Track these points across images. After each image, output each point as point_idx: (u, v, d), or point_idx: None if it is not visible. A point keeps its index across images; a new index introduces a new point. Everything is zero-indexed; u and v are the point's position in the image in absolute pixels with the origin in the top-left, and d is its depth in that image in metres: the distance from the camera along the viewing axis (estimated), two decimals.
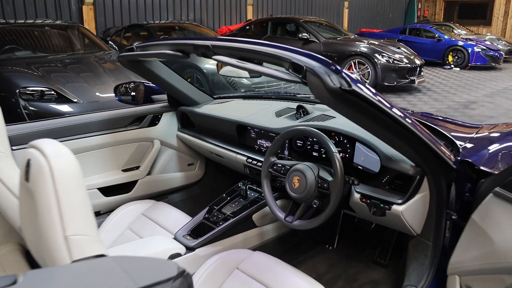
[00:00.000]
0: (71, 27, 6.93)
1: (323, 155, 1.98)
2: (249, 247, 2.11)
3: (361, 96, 1.26)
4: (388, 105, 1.33)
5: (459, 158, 1.67)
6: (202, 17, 12.13)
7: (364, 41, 9.47)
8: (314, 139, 2.00)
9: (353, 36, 10.62)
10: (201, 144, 2.55)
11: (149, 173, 2.64)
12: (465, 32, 14.79)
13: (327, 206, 1.67)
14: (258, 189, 2.24)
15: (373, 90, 1.31)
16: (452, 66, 12.89)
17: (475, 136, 1.98)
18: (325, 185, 1.66)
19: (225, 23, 12.63)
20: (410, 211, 1.65)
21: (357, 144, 1.83)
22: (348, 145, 1.88)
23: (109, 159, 2.48)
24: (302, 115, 2.20)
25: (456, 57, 12.79)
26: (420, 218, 1.72)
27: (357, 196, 1.74)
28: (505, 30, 16.64)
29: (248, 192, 2.22)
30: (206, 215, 2.11)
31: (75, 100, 4.64)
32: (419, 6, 18.97)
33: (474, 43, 12.66)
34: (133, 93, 2.79)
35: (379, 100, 1.30)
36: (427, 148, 1.49)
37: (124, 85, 2.89)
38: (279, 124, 2.14)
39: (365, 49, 8.91)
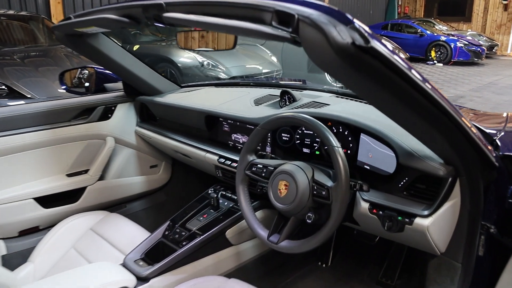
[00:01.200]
0: (34, 18, 6.38)
1: (317, 152, 1.53)
2: (223, 272, 1.65)
3: (383, 58, 0.81)
4: (420, 77, 0.88)
5: (500, 153, 1.24)
6: None
7: None
8: (306, 131, 1.55)
9: None
10: (164, 142, 2.08)
11: (101, 178, 2.16)
12: (446, 27, 14.61)
13: (326, 221, 1.21)
14: (234, 196, 1.77)
15: (393, 50, 0.85)
16: (435, 61, 12.67)
17: (507, 127, 1.55)
18: (323, 193, 1.21)
19: None
20: (438, 224, 1.22)
21: (362, 136, 1.39)
22: (350, 138, 1.43)
23: (50, 161, 2.00)
24: (287, 103, 1.75)
25: (439, 53, 12.58)
26: (447, 232, 1.30)
27: (364, 206, 1.30)
28: (485, 26, 16.53)
29: (220, 201, 1.75)
30: (166, 232, 1.64)
31: (29, 96, 4.13)
32: (400, 3, 18.83)
33: (457, 38, 12.48)
34: (82, 80, 2.30)
35: (408, 67, 0.85)
36: (466, 139, 1.05)
37: (71, 71, 2.39)
38: (259, 113, 1.68)
39: None
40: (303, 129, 1.56)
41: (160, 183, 2.46)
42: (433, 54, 12.76)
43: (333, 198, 1.19)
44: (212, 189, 1.87)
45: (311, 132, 1.54)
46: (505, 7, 15.83)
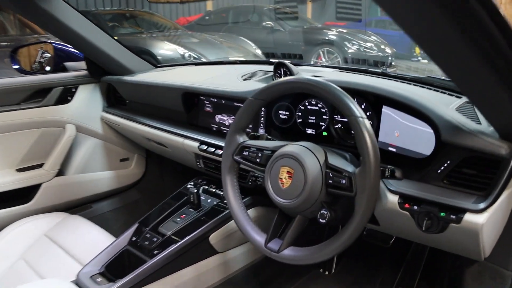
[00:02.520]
0: (4, 9, 6.04)
1: (324, 133, 1.21)
2: (206, 287, 1.31)
3: None
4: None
5: None
6: (159, 6, 11.27)
7: (333, 29, 8.89)
8: (310, 106, 1.23)
9: (320, 25, 10.05)
10: (135, 128, 1.74)
11: (59, 174, 1.82)
12: None
13: (348, 221, 0.89)
14: (219, 191, 1.44)
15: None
16: (420, 58, 12.54)
17: None
18: (343, 181, 0.89)
19: (184, 14, 11.81)
20: (492, 221, 0.91)
21: (385, 109, 1.07)
22: (368, 113, 1.12)
23: None
24: (283, 77, 1.42)
25: None
26: (497, 232, 1.00)
27: (392, 199, 0.98)
28: None
29: (202, 198, 1.42)
30: (133, 238, 1.30)
31: None
32: None
33: None
34: (43, 65, 1.94)
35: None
36: None
37: (28, 49, 2.03)
38: (249, 87, 1.35)
39: (334, 37, 8.36)
40: (306, 104, 1.23)
41: (133, 179, 2.11)
42: (417, 51, 12.61)
43: (358, 189, 0.86)
44: (192, 183, 1.54)
45: (317, 108, 1.22)
46: None
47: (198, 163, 1.50)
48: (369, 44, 8.41)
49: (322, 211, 0.92)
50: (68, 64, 1.94)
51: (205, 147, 1.41)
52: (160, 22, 8.41)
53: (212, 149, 1.39)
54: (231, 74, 1.59)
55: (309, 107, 1.23)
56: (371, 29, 13.49)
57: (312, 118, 1.23)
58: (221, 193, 1.42)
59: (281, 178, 0.96)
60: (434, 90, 1.17)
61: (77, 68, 1.92)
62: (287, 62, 1.45)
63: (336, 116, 1.18)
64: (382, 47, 8.73)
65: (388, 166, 0.92)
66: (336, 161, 0.93)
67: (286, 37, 8.79)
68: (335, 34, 8.52)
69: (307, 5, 14.78)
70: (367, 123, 0.86)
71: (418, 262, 1.56)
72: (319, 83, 0.92)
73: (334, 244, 0.90)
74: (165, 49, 5.89)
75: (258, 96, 1.03)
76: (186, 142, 1.49)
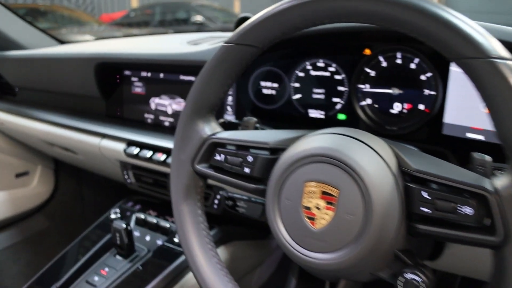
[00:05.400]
0: None
1: (340, 115, 0.72)
2: None
3: None
4: None
5: None
6: (79, 1, 10.37)
7: None
8: (322, 64, 0.73)
9: None
10: (28, 128, 1.16)
11: None
12: None
13: None
14: (163, 222, 0.90)
15: None
16: None
17: None
18: (466, 211, 0.39)
19: (106, 10, 10.98)
20: None
21: (454, 69, 0.60)
22: (428, 75, 0.64)
23: None
24: None
25: None
26: None
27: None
28: None
29: (135, 235, 0.87)
30: None
31: None
32: None
33: None
34: None
35: None
36: None
37: None
38: (205, 48, 0.83)
39: None
40: (308, 67, 0.74)
41: (36, 200, 1.51)
42: None
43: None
44: (118, 209, 0.99)
45: (327, 74, 0.72)
46: None
47: (126, 176, 0.95)
48: None
49: (407, 276, 0.42)
50: None
51: (135, 150, 0.88)
52: (81, 18, 7.70)
53: (148, 153, 0.85)
54: (171, 40, 1.06)
55: (312, 72, 0.73)
56: None
57: (319, 91, 0.73)
58: (168, 225, 0.89)
59: (308, 209, 0.45)
60: None
61: None
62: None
63: (363, 86, 0.69)
64: None
65: None
66: (427, 165, 0.44)
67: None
68: None
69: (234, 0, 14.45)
70: None
71: None
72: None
73: None
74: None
75: (245, 38, 0.50)
76: (105, 144, 0.94)
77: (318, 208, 0.44)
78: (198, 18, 8.48)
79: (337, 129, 0.49)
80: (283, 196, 0.47)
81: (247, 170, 0.51)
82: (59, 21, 7.57)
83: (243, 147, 0.53)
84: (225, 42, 0.52)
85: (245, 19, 0.97)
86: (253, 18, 0.50)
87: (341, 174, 0.43)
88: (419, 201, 0.42)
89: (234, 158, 0.52)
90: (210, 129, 0.55)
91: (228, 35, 0.90)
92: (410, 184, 0.44)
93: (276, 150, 0.51)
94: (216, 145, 0.54)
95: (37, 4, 8.25)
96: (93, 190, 1.57)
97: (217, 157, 0.53)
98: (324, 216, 0.44)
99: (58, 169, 1.57)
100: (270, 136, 0.52)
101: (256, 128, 0.62)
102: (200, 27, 8.48)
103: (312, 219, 0.45)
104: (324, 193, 0.44)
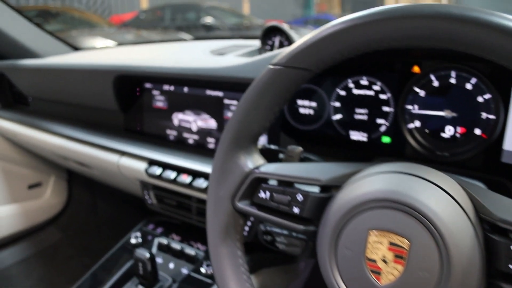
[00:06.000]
0: None
1: (384, 138, 0.66)
2: None
3: None
4: None
5: None
6: (90, 3, 10.42)
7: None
8: (366, 83, 0.67)
9: (260, 22, 9.66)
10: (42, 142, 1.11)
11: None
12: None
13: None
14: (189, 249, 0.85)
15: None
16: None
17: None
18: None
19: (117, 11, 11.02)
20: None
21: None
22: (487, 96, 0.57)
23: None
24: (275, 48, 0.87)
25: None
26: None
27: None
28: None
29: (158, 262, 0.82)
30: None
31: None
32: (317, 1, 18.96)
33: None
34: None
35: None
36: None
37: None
38: (232, 62, 0.77)
39: None
40: (351, 85, 0.68)
41: (49, 213, 1.47)
42: None
43: None
44: (139, 233, 0.93)
45: (371, 93, 0.66)
46: None
47: (147, 197, 0.90)
48: None
49: None
50: None
51: (158, 170, 0.82)
52: (91, 20, 7.70)
53: (172, 174, 0.80)
54: (193, 49, 1.00)
55: (355, 91, 0.67)
56: (311, 26, 13.45)
57: (362, 111, 0.67)
58: (194, 252, 0.83)
59: (373, 262, 0.39)
60: None
61: None
62: (284, 26, 0.90)
63: (411, 107, 0.63)
64: None
65: None
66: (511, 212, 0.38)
67: (226, 35, 8.29)
68: None
69: (242, 1, 14.47)
70: None
71: None
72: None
73: None
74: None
75: (296, 60, 0.44)
76: (124, 162, 0.89)
77: (384, 261, 0.39)
78: (208, 19, 8.44)
79: (401, 165, 0.43)
80: (341, 244, 0.41)
81: (296, 210, 0.45)
82: (70, 23, 7.57)
83: (290, 184, 0.47)
84: (272, 64, 0.46)
85: (273, 28, 0.93)
86: (307, 38, 0.44)
87: (412, 223, 0.37)
88: (507, 258, 0.36)
89: (281, 196, 0.46)
90: (252, 161, 0.49)
91: (252, 43, 0.83)
92: (493, 236, 0.37)
93: (329, 188, 0.45)
94: (260, 181, 0.48)
95: (48, 6, 8.28)
96: (108, 202, 1.52)
97: (262, 195, 0.47)
98: (392, 271, 0.38)
99: (71, 179, 1.52)
100: (321, 170, 0.46)
101: (301, 159, 0.56)
102: (210, 29, 8.44)
103: (377, 273, 0.39)
104: (392, 244, 0.38)
